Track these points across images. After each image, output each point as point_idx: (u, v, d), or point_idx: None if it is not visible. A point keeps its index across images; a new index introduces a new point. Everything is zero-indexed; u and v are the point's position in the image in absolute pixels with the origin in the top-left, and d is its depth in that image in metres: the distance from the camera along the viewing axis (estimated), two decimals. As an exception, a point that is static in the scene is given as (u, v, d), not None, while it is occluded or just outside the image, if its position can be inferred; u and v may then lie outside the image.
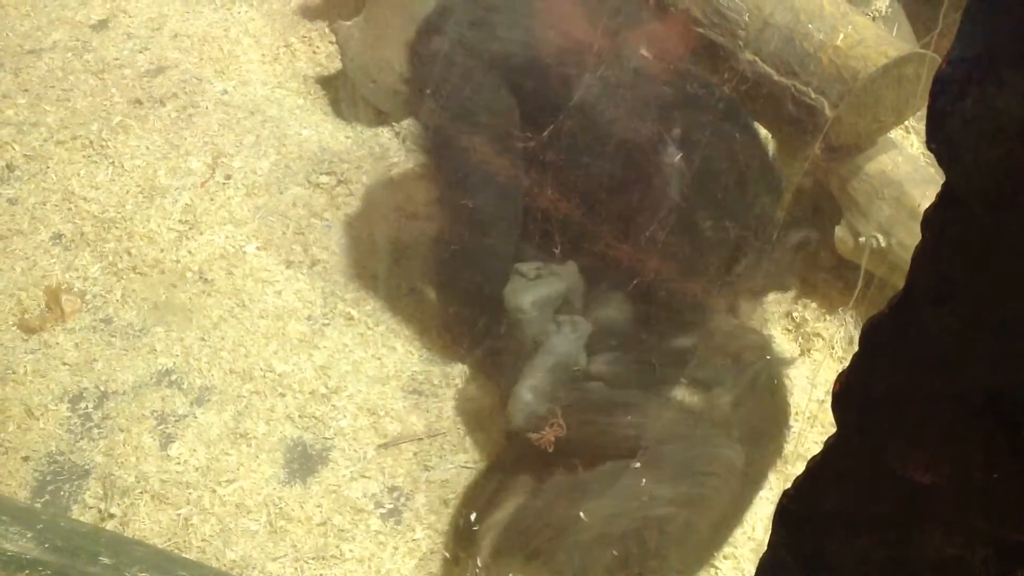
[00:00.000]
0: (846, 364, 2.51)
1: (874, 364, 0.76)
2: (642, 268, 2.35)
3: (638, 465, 2.15)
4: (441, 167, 2.55)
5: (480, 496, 2.36)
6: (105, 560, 1.86)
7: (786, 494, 0.84)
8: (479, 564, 2.15)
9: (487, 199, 2.45)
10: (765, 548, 0.90)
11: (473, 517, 2.26)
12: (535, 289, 2.44)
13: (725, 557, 2.38)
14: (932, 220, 0.69)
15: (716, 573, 2.37)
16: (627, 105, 2.43)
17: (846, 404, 0.79)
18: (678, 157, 2.41)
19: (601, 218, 2.39)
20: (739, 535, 2.42)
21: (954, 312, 0.70)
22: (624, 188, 2.40)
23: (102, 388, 2.72)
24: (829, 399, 2.54)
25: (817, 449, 2.56)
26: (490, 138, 2.42)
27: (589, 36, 2.44)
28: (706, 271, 2.49)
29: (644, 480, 2.14)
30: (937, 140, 0.66)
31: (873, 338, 0.76)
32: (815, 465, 0.82)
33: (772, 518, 0.87)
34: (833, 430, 2.50)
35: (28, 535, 1.86)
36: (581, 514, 2.12)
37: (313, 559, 2.38)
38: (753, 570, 2.37)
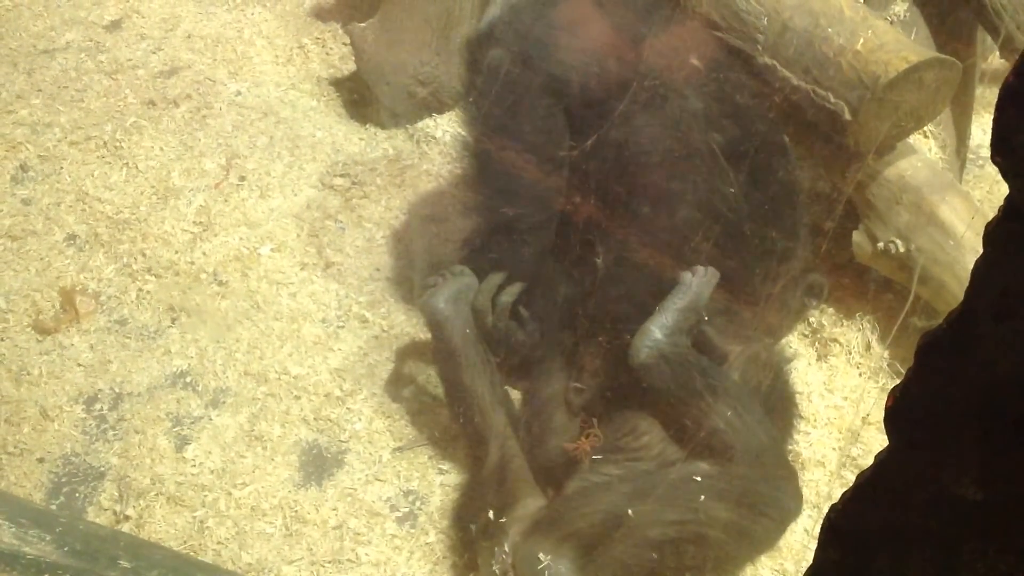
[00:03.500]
0: (862, 370, 2.50)
1: (929, 380, 0.75)
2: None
3: (699, 479, 2.12)
4: (483, 177, 2.54)
5: (490, 496, 2.33)
6: (124, 564, 1.85)
7: (834, 509, 0.83)
8: (506, 550, 2.13)
9: (527, 211, 2.45)
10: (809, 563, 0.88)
11: (492, 514, 2.24)
12: (445, 288, 2.46)
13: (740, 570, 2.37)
14: (994, 234, 0.68)
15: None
16: (675, 115, 2.42)
17: (899, 419, 0.78)
18: (727, 166, 2.40)
19: (647, 228, 2.38)
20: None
21: (1015, 329, 0.69)
22: (671, 198, 2.39)
23: (117, 390, 2.71)
24: (845, 405, 2.52)
25: (832, 455, 2.55)
26: (537, 156, 2.42)
27: (642, 55, 2.43)
28: (751, 282, 2.48)
29: (704, 496, 2.12)
30: (1003, 153, 0.65)
31: (928, 353, 0.74)
32: (864, 480, 0.81)
33: (819, 532, 0.85)
34: (845, 434, 2.47)
35: (47, 538, 1.86)
36: (630, 511, 2.10)
37: (329, 562, 2.38)
38: (768, 575, 2.36)
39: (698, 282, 2.32)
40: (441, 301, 2.44)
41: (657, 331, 2.26)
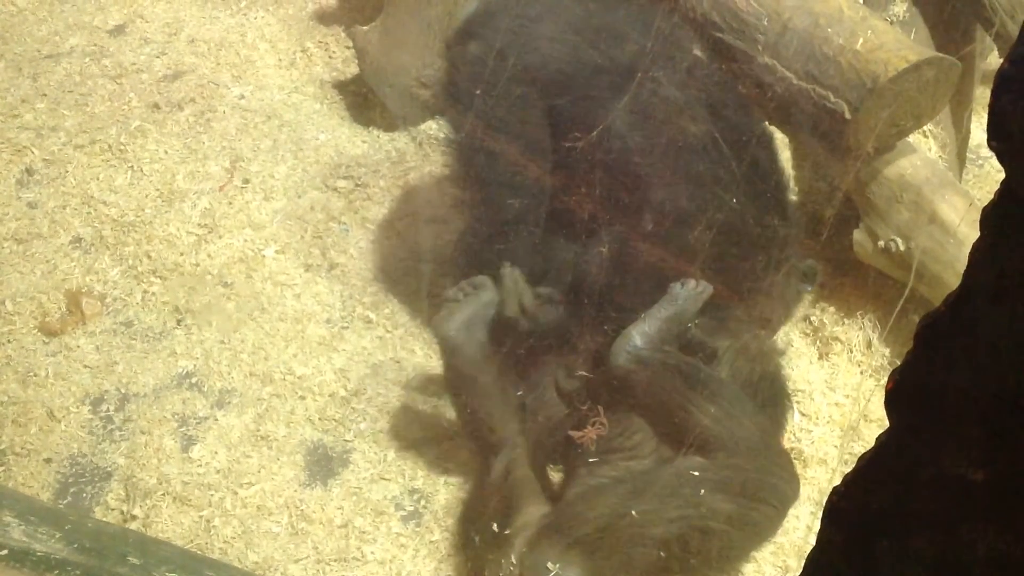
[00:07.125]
0: (863, 368, 2.52)
1: (928, 362, 0.77)
2: (691, 268, 2.36)
3: (696, 474, 2.15)
4: (470, 172, 2.56)
5: (494, 504, 2.35)
6: (133, 560, 1.87)
7: (836, 491, 0.85)
8: (513, 561, 2.15)
9: (516, 203, 2.47)
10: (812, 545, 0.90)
11: (495, 526, 2.25)
12: (458, 312, 2.41)
13: (747, 560, 2.39)
14: (991, 217, 0.70)
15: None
16: (678, 105, 2.44)
17: (899, 401, 0.79)
18: (728, 155, 2.42)
19: (650, 217, 2.40)
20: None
21: (1012, 310, 0.71)
22: (674, 187, 2.41)
23: (123, 391, 2.73)
24: (847, 403, 2.54)
25: (834, 452, 2.57)
26: (521, 146, 2.44)
27: (630, 45, 2.45)
28: (752, 270, 2.50)
29: (703, 491, 2.14)
30: (998, 138, 0.67)
31: (928, 336, 0.76)
32: (865, 463, 0.82)
33: (821, 516, 0.87)
34: (847, 432, 2.49)
35: (56, 535, 1.88)
36: (633, 512, 2.12)
37: (335, 561, 2.39)
38: (771, 571, 2.37)
39: (685, 295, 2.36)
40: (452, 328, 2.40)
41: (637, 337, 2.30)
